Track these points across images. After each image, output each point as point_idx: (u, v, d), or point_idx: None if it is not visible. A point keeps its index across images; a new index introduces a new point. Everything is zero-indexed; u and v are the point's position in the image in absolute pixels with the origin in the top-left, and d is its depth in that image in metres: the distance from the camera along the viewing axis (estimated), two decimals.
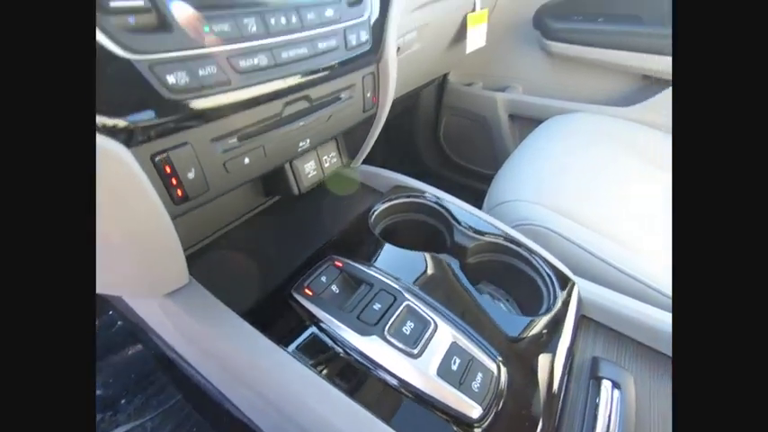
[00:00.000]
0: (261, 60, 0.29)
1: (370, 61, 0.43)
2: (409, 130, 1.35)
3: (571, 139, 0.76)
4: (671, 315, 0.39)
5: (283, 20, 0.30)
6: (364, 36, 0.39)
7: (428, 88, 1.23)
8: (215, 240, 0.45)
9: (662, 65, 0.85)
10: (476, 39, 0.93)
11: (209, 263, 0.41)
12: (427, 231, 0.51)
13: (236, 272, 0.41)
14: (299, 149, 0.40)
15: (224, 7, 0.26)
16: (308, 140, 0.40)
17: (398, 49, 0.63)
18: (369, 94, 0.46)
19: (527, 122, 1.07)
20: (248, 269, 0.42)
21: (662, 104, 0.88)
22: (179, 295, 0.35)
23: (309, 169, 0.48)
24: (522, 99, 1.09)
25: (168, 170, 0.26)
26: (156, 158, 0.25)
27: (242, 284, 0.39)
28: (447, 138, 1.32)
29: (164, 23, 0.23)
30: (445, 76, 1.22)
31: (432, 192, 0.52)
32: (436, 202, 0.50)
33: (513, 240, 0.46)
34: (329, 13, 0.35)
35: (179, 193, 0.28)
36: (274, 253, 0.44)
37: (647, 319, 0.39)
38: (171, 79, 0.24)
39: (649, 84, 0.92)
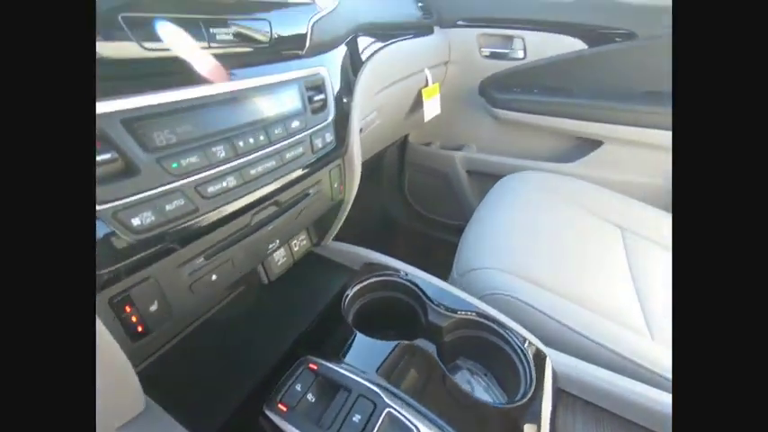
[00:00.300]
0: (230, 182, 0.29)
1: (336, 157, 0.45)
2: (375, 186, 1.40)
3: (527, 199, 0.82)
4: (646, 386, 0.40)
5: (251, 140, 0.31)
6: (329, 137, 0.42)
7: (391, 148, 1.30)
8: (174, 346, 0.41)
9: (591, 128, 0.99)
10: (431, 109, 1.02)
11: (168, 377, 0.38)
12: (401, 308, 0.51)
13: (200, 383, 0.38)
14: (269, 251, 0.39)
15: (192, 140, 0.27)
16: (278, 241, 0.40)
17: (361, 130, 0.67)
18: (336, 185, 0.47)
19: (484, 177, 1.15)
20: (214, 377, 0.38)
21: (597, 161, 1.01)
22: (134, 426, 0.31)
23: (279, 257, 0.48)
24: (478, 157, 1.19)
25: (128, 310, 0.25)
26: (115, 300, 0.24)
27: (208, 399, 0.36)
28: (412, 192, 1.38)
29: (130, 168, 0.23)
30: (406, 136, 1.31)
31: (401, 267, 0.53)
32: (407, 279, 0.51)
33: (485, 315, 0.47)
34: (295, 124, 0.36)
35: (139, 329, 0.26)
36: (242, 354, 0.41)
37: (622, 391, 0.40)
38: (136, 222, 0.23)
39: (583, 143, 1.04)
